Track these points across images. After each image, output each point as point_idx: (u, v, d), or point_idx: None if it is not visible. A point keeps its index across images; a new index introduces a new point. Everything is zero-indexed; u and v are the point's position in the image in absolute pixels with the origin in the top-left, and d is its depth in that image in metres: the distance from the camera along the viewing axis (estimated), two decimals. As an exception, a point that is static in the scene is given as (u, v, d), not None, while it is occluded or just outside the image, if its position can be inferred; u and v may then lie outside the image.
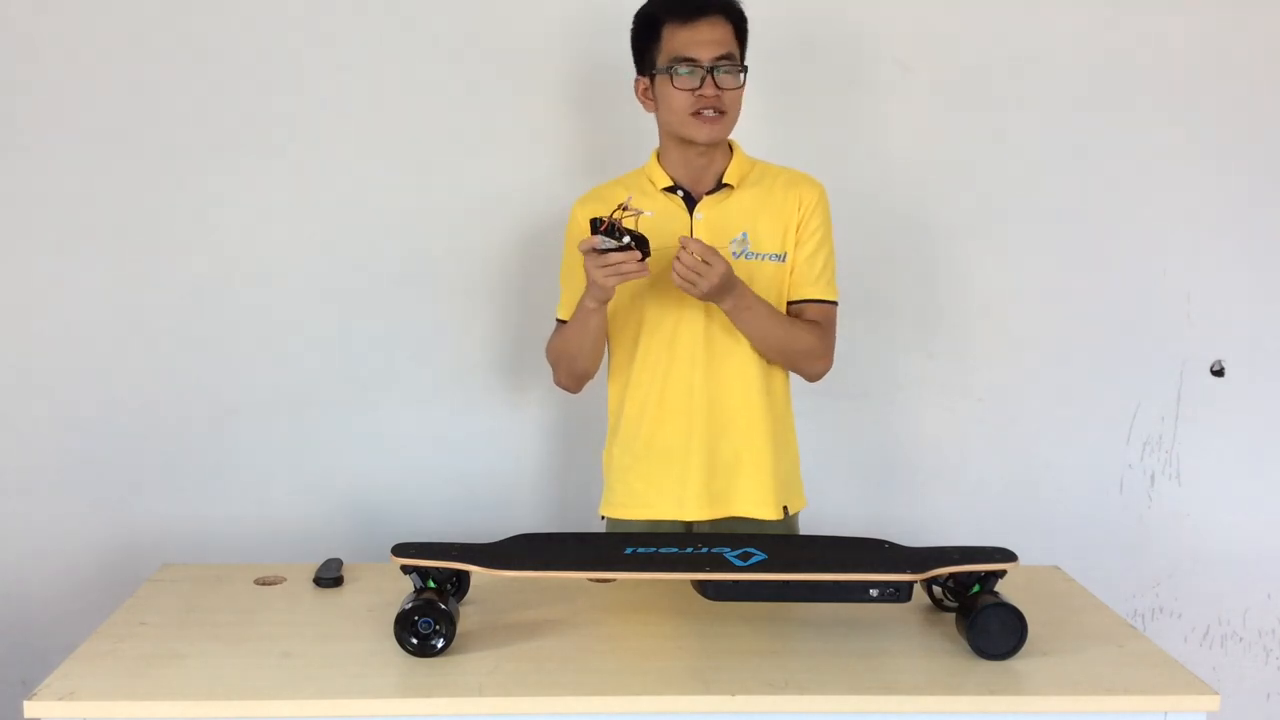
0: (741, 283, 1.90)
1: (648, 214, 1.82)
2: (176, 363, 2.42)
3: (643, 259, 1.79)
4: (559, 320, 2.07)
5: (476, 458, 2.50)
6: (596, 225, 1.79)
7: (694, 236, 1.95)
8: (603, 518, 2.10)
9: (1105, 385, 2.56)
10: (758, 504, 1.99)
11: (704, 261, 1.81)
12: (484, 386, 2.48)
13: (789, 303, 2.01)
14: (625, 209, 1.78)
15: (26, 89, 2.34)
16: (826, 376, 2.06)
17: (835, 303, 2.03)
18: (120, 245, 2.39)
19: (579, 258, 1.95)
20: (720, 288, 1.84)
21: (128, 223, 2.39)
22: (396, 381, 2.47)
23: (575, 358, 2.00)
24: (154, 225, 2.39)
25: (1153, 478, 2.59)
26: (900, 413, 2.54)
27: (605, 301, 1.89)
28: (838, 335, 2.04)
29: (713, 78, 1.88)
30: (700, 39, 1.88)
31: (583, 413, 2.50)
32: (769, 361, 1.99)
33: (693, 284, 1.82)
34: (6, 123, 2.35)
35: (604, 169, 2.29)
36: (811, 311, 2.00)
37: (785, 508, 2.03)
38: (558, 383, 2.09)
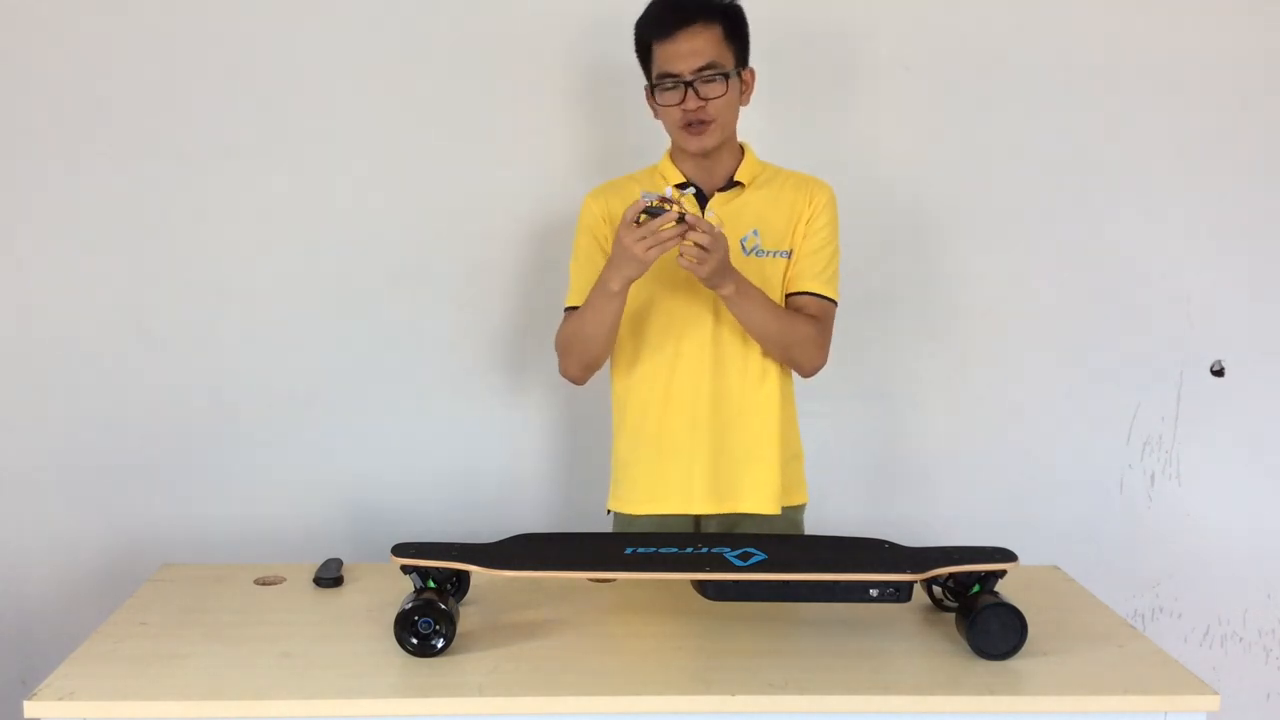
0: (738, 271, 1.89)
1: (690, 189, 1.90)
2: (176, 363, 2.42)
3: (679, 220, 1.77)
4: (568, 309, 2.05)
5: (476, 457, 2.50)
6: (651, 206, 1.76)
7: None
8: (609, 512, 2.10)
9: (1105, 385, 2.56)
10: (761, 499, 1.99)
11: (711, 235, 1.80)
12: (484, 386, 2.48)
13: (788, 294, 2.01)
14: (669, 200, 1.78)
15: (27, 90, 2.34)
16: (826, 376, 2.06)
17: (834, 301, 2.03)
18: (120, 246, 2.39)
19: (592, 246, 2.00)
20: (723, 267, 1.83)
21: (127, 223, 2.39)
22: (396, 381, 2.47)
23: (589, 344, 1.97)
24: (153, 226, 2.39)
25: (1153, 478, 2.59)
26: (900, 413, 2.54)
27: (632, 280, 1.86)
28: (839, 335, 2.04)
29: (694, 90, 1.88)
30: (679, 52, 1.89)
31: (583, 411, 2.50)
32: (766, 354, 1.99)
33: (701, 261, 1.79)
34: (7, 124, 2.35)
35: (603, 168, 2.30)
36: (810, 305, 2.00)
37: (787, 505, 2.03)
38: (564, 373, 2.06)
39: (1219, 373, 2.56)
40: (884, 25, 2.44)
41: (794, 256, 2.00)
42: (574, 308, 2.02)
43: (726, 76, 1.90)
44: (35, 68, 2.34)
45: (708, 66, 1.89)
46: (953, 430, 2.55)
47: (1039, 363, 2.54)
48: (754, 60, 1.99)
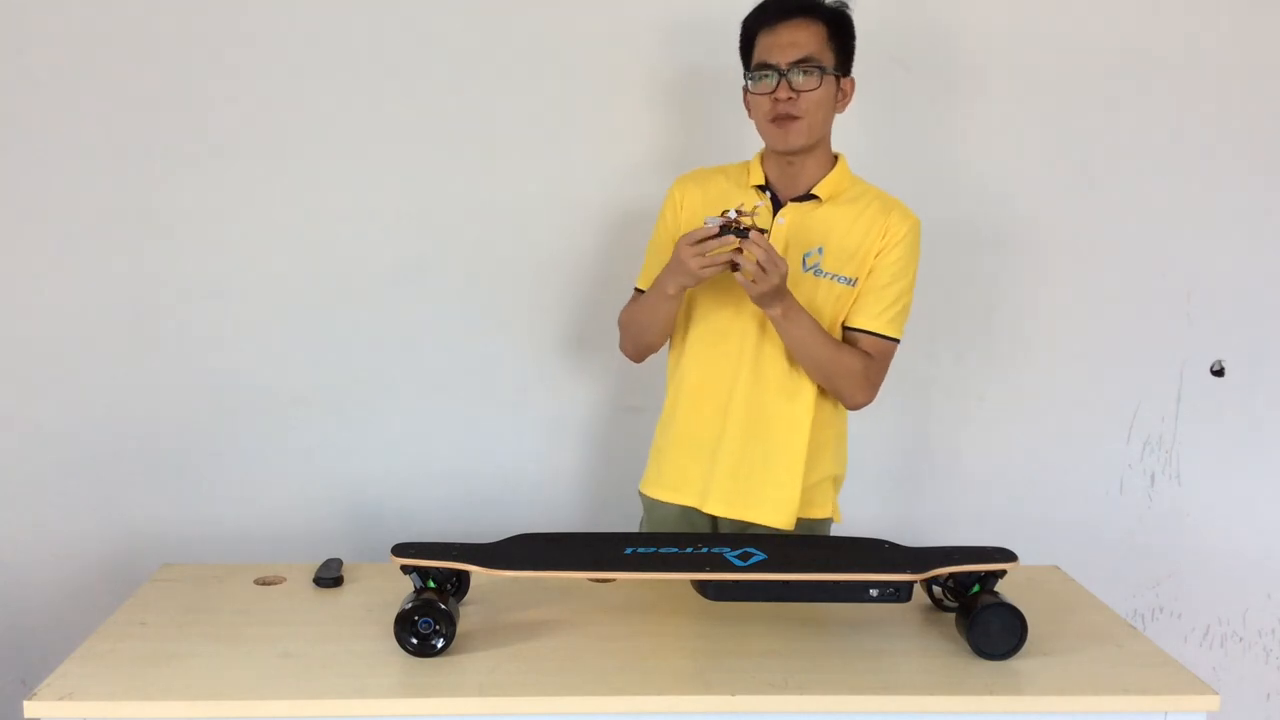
0: (790, 293, 1.88)
1: (759, 205, 1.87)
2: (177, 363, 2.42)
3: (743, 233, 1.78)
4: (636, 289, 2.07)
5: (477, 457, 2.50)
6: (729, 227, 1.77)
7: (770, 240, 1.92)
8: (640, 494, 2.10)
9: (1105, 385, 2.56)
10: (775, 514, 1.97)
11: (770, 258, 1.79)
12: (484, 386, 2.48)
13: (846, 327, 1.98)
14: (741, 213, 1.79)
15: (27, 89, 2.34)
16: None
17: (895, 340, 1.98)
18: (120, 245, 2.39)
19: (663, 232, 2.01)
20: (776, 290, 1.82)
21: (128, 223, 2.38)
22: (397, 381, 2.47)
23: (643, 332, 2.02)
24: (154, 225, 2.39)
25: (1153, 478, 2.59)
26: (900, 413, 2.54)
27: (687, 288, 1.88)
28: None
29: (787, 80, 1.87)
30: (778, 43, 1.88)
31: (582, 412, 2.50)
32: (809, 378, 1.96)
33: (755, 279, 1.78)
34: (7, 123, 2.35)
35: (617, 172, 2.30)
36: (863, 342, 1.96)
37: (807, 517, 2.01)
38: (622, 349, 2.09)
39: (1219, 373, 2.56)
40: (885, 22, 2.43)
41: (859, 289, 1.96)
42: (640, 290, 2.04)
43: (822, 72, 1.88)
44: (35, 67, 2.33)
45: (804, 59, 1.87)
46: (953, 430, 2.56)
47: (1039, 362, 2.54)
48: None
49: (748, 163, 2.03)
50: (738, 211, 1.78)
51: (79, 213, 2.38)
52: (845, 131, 2.45)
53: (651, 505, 2.08)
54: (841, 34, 1.93)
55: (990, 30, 2.44)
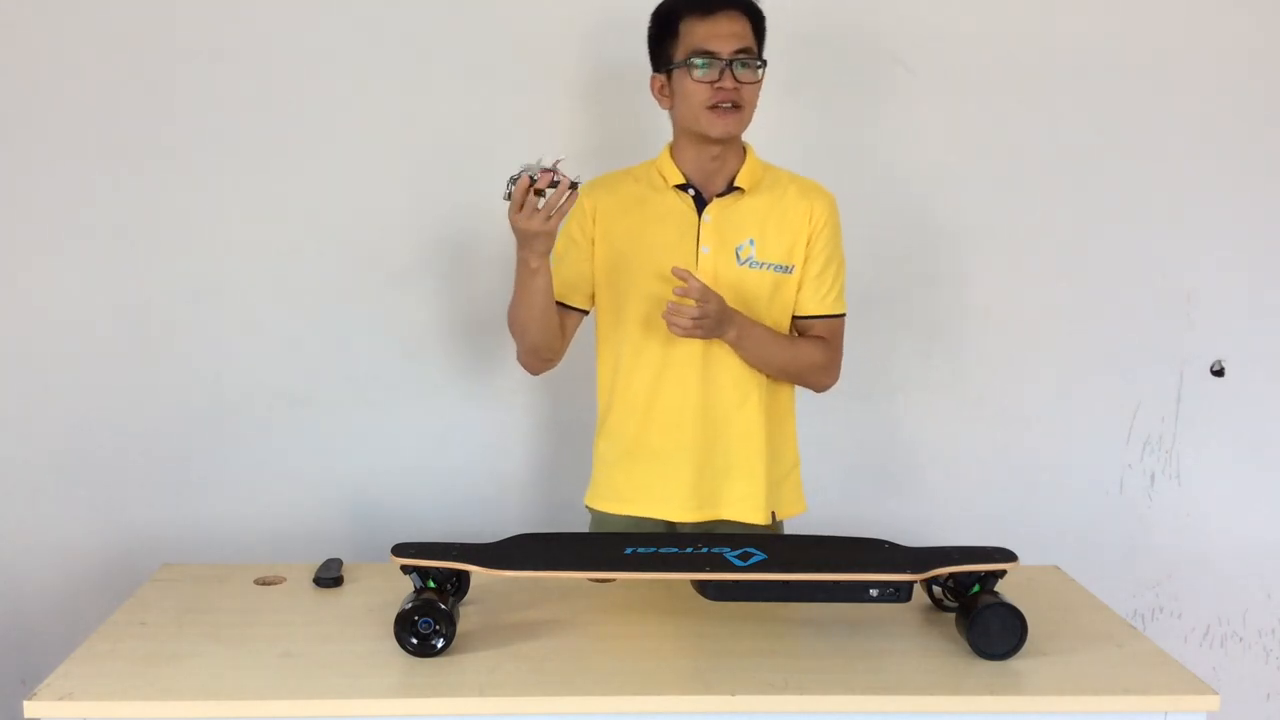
0: (739, 314, 1.90)
1: (562, 158, 1.77)
2: (176, 362, 2.42)
3: (572, 186, 1.74)
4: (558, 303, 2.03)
5: (477, 457, 2.50)
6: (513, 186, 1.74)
7: (703, 244, 1.94)
8: (587, 508, 2.10)
9: (1105, 386, 2.56)
10: (746, 509, 1.98)
11: (700, 302, 1.81)
12: (484, 385, 2.48)
13: (796, 317, 2.01)
14: (544, 171, 1.74)
15: (26, 89, 2.34)
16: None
17: (843, 315, 2.03)
18: (119, 245, 2.39)
19: (566, 238, 1.97)
20: (721, 320, 1.85)
21: (127, 222, 2.39)
22: (396, 381, 2.47)
23: (525, 328, 1.94)
24: (153, 225, 2.39)
25: (1153, 478, 2.59)
26: (900, 413, 2.54)
27: (548, 252, 1.84)
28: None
29: (731, 71, 1.87)
30: (719, 32, 1.88)
31: (583, 411, 2.49)
32: (773, 379, 1.99)
33: (696, 326, 1.83)
34: (5, 122, 2.35)
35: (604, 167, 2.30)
36: (816, 327, 2.00)
37: (774, 513, 2.02)
38: (518, 359, 2.03)
39: (1219, 373, 2.56)
40: (884, 22, 2.44)
41: (797, 275, 1.98)
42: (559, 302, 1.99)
43: (760, 66, 1.90)
44: (35, 69, 2.33)
45: (744, 50, 1.88)
46: (953, 430, 2.55)
47: (1039, 362, 2.54)
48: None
49: (653, 161, 2.01)
50: (540, 170, 1.73)
51: (78, 213, 2.38)
52: (845, 129, 2.47)
53: (601, 518, 2.07)
54: (762, 32, 1.95)
55: (990, 31, 2.44)
